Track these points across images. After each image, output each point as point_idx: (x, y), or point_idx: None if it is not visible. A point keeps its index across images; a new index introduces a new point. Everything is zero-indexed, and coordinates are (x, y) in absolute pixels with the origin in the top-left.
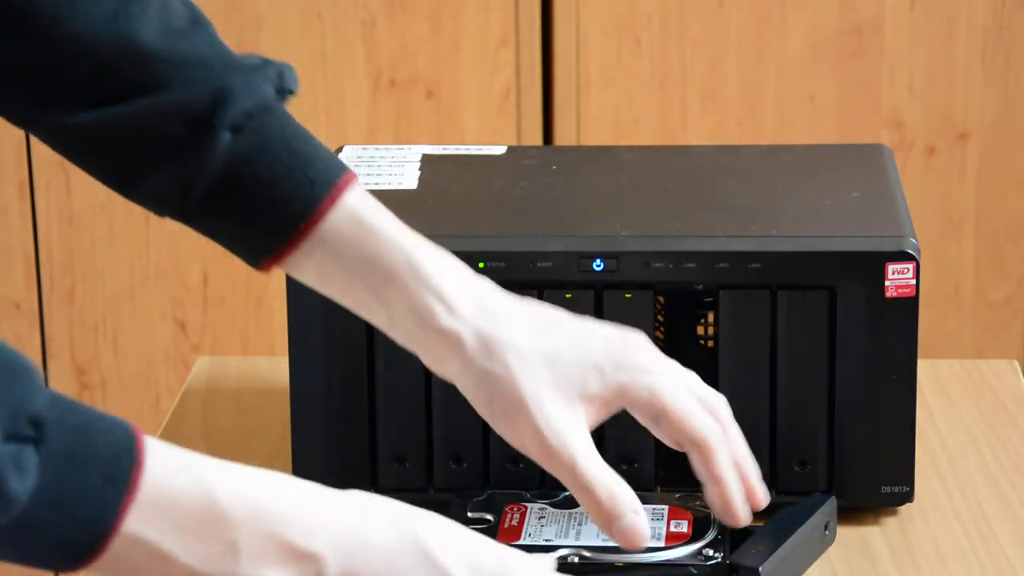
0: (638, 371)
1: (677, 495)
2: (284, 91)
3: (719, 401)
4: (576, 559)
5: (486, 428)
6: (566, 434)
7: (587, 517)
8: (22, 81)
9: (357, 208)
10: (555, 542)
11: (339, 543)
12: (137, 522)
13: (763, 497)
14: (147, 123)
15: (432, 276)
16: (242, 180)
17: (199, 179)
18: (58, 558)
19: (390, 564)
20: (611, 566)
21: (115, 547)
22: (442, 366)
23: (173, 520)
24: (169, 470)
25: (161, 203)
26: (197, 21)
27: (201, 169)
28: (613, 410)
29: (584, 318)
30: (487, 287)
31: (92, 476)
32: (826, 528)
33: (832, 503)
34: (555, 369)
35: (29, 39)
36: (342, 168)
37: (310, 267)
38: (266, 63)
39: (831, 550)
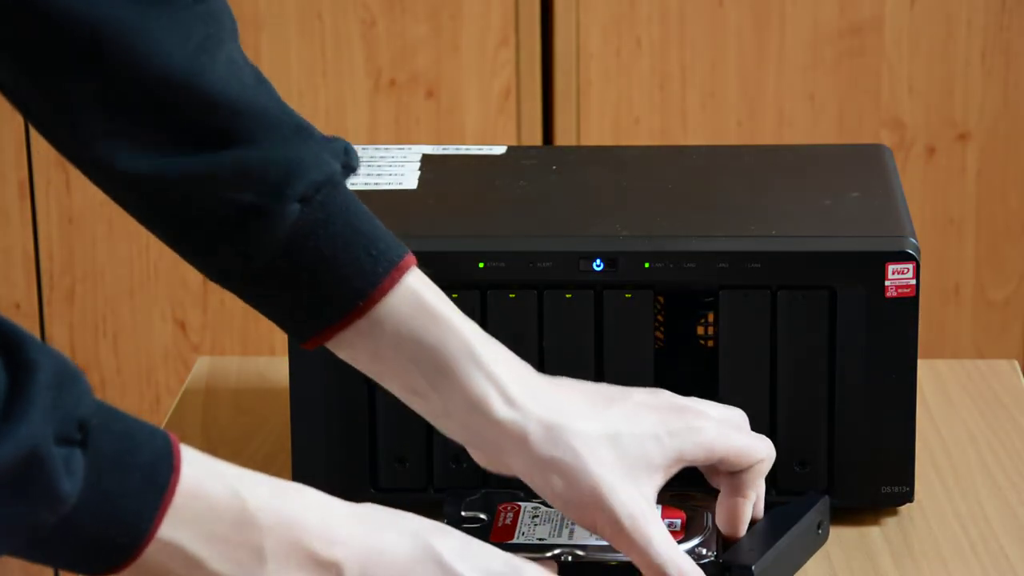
0: (690, 433)
1: (669, 494)
2: (349, 168)
3: (744, 420)
4: (570, 558)
5: None
6: (639, 516)
7: None
8: (95, 122)
9: (418, 291)
10: (548, 541)
11: (358, 553)
12: (172, 527)
13: (762, 511)
14: (215, 184)
15: (490, 366)
16: (303, 254)
17: (262, 249)
18: (95, 560)
19: (406, 572)
20: (605, 565)
21: (150, 551)
22: (499, 458)
23: (205, 526)
24: (203, 477)
25: (218, 270)
26: (260, 80)
27: (265, 239)
28: (672, 474)
29: (622, 388)
30: (535, 373)
31: (133, 480)
32: (819, 527)
33: (825, 502)
34: (618, 448)
35: (105, 78)
36: (403, 249)
37: (364, 347)
38: (331, 138)
39: (832, 550)
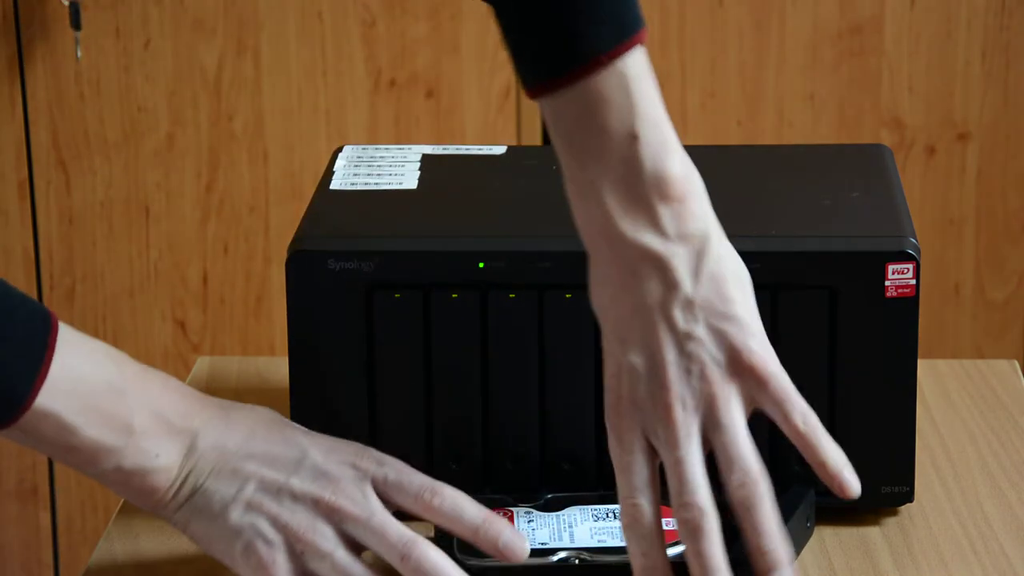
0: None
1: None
2: None
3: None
4: (576, 561)
5: (486, 428)
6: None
7: (576, 519)
8: None
9: (635, 74)
10: (551, 545)
11: (211, 421)
12: (49, 398)
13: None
14: None
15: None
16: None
17: None
18: None
19: (254, 434)
20: (609, 568)
21: (27, 419)
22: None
23: (80, 399)
24: (79, 354)
25: None
26: None
27: None
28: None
29: None
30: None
31: (6, 352)
32: (807, 521)
33: (811, 496)
34: None
35: None
36: (637, 24)
37: (567, 113)
38: None
39: (832, 550)
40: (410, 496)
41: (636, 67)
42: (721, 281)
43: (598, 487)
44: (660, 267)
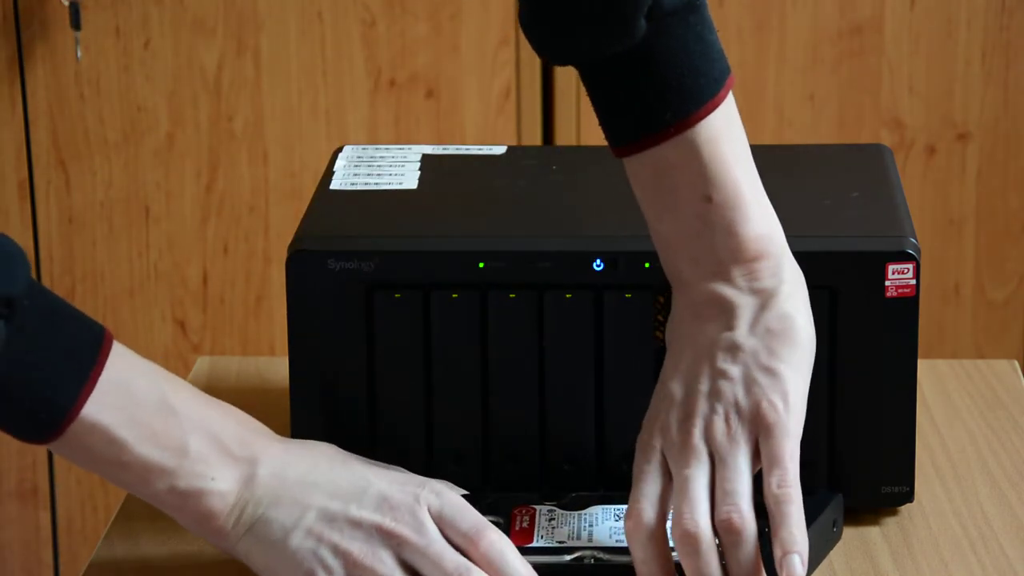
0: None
1: None
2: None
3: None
4: (592, 560)
5: (486, 428)
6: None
7: (597, 518)
8: None
9: (714, 134)
10: (569, 544)
11: (272, 450)
12: (97, 409)
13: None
14: None
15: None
16: (640, 65)
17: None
18: (22, 429)
19: (315, 467)
20: (628, 567)
21: (74, 430)
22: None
23: (130, 412)
24: (132, 370)
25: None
26: None
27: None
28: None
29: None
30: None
31: (55, 360)
32: (834, 525)
33: (839, 500)
34: None
35: None
36: (714, 87)
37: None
38: None
39: (832, 550)
40: (459, 533)
41: (708, 131)
42: (774, 336)
43: (597, 487)
44: (724, 311)
